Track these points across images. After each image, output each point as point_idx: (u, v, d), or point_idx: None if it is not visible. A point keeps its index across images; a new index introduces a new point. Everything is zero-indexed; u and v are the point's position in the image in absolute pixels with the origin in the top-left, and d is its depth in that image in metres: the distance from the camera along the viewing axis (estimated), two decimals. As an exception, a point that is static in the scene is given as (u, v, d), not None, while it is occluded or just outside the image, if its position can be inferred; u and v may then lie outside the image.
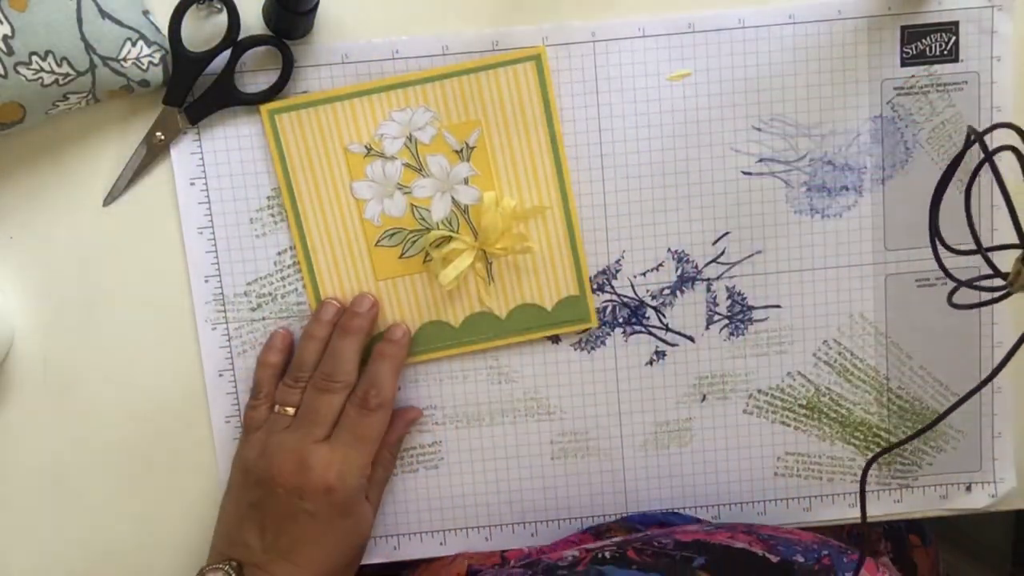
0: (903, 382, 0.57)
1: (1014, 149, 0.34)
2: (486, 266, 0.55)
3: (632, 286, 0.56)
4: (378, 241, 0.54)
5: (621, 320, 0.56)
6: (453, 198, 0.54)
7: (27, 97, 0.48)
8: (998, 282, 0.37)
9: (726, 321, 0.56)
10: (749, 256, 0.56)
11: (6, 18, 0.45)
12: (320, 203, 0.53)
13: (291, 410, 0.52)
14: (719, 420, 0.57)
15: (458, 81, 0.53)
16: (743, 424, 0.57)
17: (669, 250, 0.55)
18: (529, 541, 0.57)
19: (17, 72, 0.46)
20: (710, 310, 0.56)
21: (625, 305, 0.56)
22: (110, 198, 0.53)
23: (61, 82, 0.48)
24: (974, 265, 0.51)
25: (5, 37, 0.45)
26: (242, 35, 0.51)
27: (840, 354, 0.57)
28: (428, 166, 0.53)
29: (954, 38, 0.54)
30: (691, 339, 0.56)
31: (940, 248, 0.40)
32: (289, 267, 0.54)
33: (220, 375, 0.55)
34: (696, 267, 0.56)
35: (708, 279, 0.56)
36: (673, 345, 0.56)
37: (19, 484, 0.55)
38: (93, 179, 0.53)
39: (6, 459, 0.55)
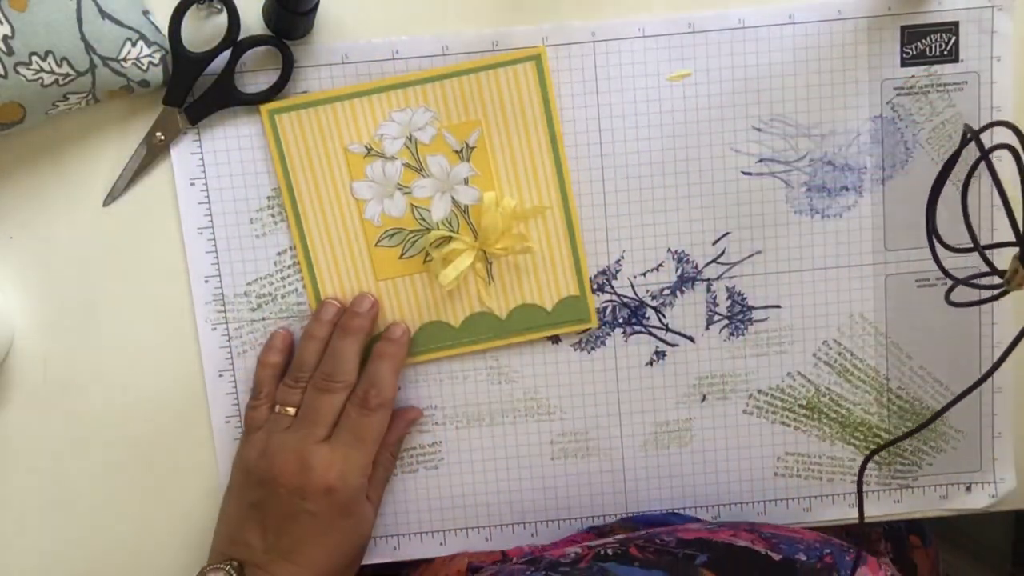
0: (903, 382, 0.57)
1: (1011, 148, 0.34)
2: (486, 266, 0.55)
3: (632, 286, 0.56)
4: (378, 241, 0.54)
5: (621, 320, 0.56)
6: (453, 198, 0.54)
7: (27, 97, 0.48)
8: (997, 281, 0.37)
9: (726, 321, 0.56)
10: (749, 256, 0.56)
11: (6, 18, 0.45)
12: (320, 203, 0.53)
13: (292, 410, 0.52)
14: (719, 420, 0.57)
15: (458, 81, 0.53)
16: (743, 424, 0.57)
17: (669, 250, 0.55)
18: (529, 541, 0.57)
19: (17, 72, 0.46)
20: (710, 310, 0.56)
21: (625, 305, 0.56)
22: (110, 198, 0.53)
23: (61, 82, 0.48)
24: (973, 265, 0.51)
25: (5, 37, 0.45)
26: (242, 35, 0.51)
27: (840, 354, 0.57)
28: (428, 166, 0.53)
29: (954, 38, 0.54)
30: (691, 339, 0.56)
31: (938, 247, 0.40)
32: (289, 267, 0.54)
33: (220, 375, 0.55)
34: (696, 267, 0.56)
35: (708, 279, 0.56)
36: (673, 345, 0.56)
37: (19, 484, 0.55)
38: (93, 179, 0.53)
39: (6, 459, 0.55)
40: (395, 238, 0.54)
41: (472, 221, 0.54)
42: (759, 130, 0.54)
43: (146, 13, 0.50)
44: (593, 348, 0.56)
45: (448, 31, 0.53)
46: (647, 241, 0.55)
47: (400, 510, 0.57)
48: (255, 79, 0.53)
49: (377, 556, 0.57)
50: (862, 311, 0.56)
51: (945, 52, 0.54)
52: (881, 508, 0.58)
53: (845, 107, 0.54)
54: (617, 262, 0.55)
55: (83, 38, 0.47)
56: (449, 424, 0.56)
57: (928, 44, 0.54)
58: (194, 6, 0.51)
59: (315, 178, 0.53)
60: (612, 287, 0.55)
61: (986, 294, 0.38)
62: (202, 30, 0.52)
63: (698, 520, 0.57)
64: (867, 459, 0.42)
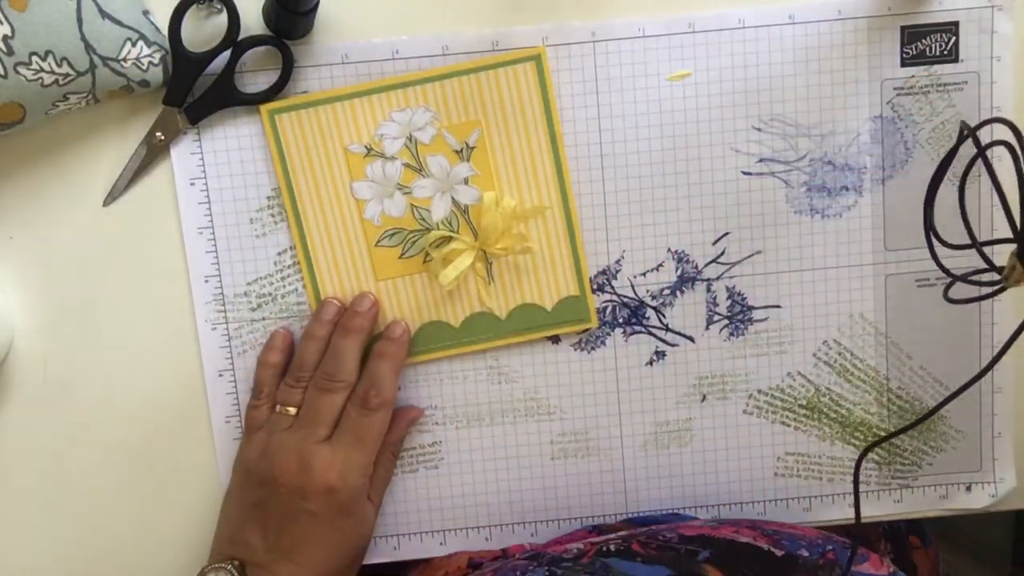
0: (903, 382, 0.57)
1: (1008, 144, 0.34)
2: (486, 266, 0.55)
3: (632, 286, 0.56)
4: (378, 241, 0.54)
5: (621, 320, 0.56)
6: (453, 198, 0.54)
7: (27, 97, 0.48)
8: (995, 278, 0.37)
9: (726, 321, 0.56)
10: (749, 256, 0.56)
11: (6, 18, 0.45)
12: (320, 203, 0.53)
13: (292, 410, 0.52)
14: (719, 420, 0.57)
15: (458, 81, 0.53)
16: (743, 424, 0.57)
17: (669, 250, 0.55)
18: (529, 541, 0.57)
19: (17, 72, 0.46)
20: (710, 310, 0.56)
21: (625, 305, 0.56)
22: (110, 198, 0.53)
23: (61, 82, 0.48)
24: (972, 264, 0.51)
25: (5, 37, 0.45)
26: (242, 35, 0.51)
27: (840, 354, 0.57)
28: (428, 166, 0.53)
29: (954, 38, 0.54)
30: (691, 339, 0.56)
31: (937, 244, 0.40)
32: (289, 267, 0.54)
33: (220, 375, 0.55)
34: (696, 267, 0.56)
35: (708, 279, 0.56)
36: (673, 345, 0.56)
37: (19, 484, 0.55)
38: (93, 179, 0.53)
39: (6, 459, 0.55)
40: (395, 238, 0.54)
41: (472, 221, 0.54)
42: (759, 130, 0.54)
43: (146, 13, 0.50)
44: (593, 348, 0.56)
45: (448, 31, 0.53)
46: (647, 241, 0.55)
47: (400, 510, 0.57)
48: (255, 79, 0.53)
49: (377, 556, 0.57)
50: (862, 311, 0.56)
51: (945, 52, 0.54)
52: (881, 508, 0.58)
53: (845, 107, 0.54)
54: (617, 262, 0.55)
55: (83, 38, 0.47)
56: (449, 424, 0.56)
57: (928, 44, 0.54)
58: (194, 6, 0.51)
59: (315, 178, 0.53)
60: (612, 287, 0.55)
61: (985, 291, 0.38)
62: (202, 30, 0.52)
63: (699, 519, 0.57)
64: (864, 453, 0.42)
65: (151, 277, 0.54)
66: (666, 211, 0.55)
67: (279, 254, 0.54)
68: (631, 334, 0.56)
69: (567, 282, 0.55)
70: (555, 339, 0.56)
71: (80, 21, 0.47)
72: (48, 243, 0.54)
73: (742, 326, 0.56)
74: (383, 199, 0.54)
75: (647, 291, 0.56)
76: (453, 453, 0.57)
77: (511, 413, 0.56)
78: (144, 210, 0.54)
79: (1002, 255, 0.37)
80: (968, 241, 0.38)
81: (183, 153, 0.53)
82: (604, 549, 0.49)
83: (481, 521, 0.57)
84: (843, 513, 0.58)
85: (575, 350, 0.56)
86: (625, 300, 0.56)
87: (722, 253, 0.56)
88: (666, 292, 0.56)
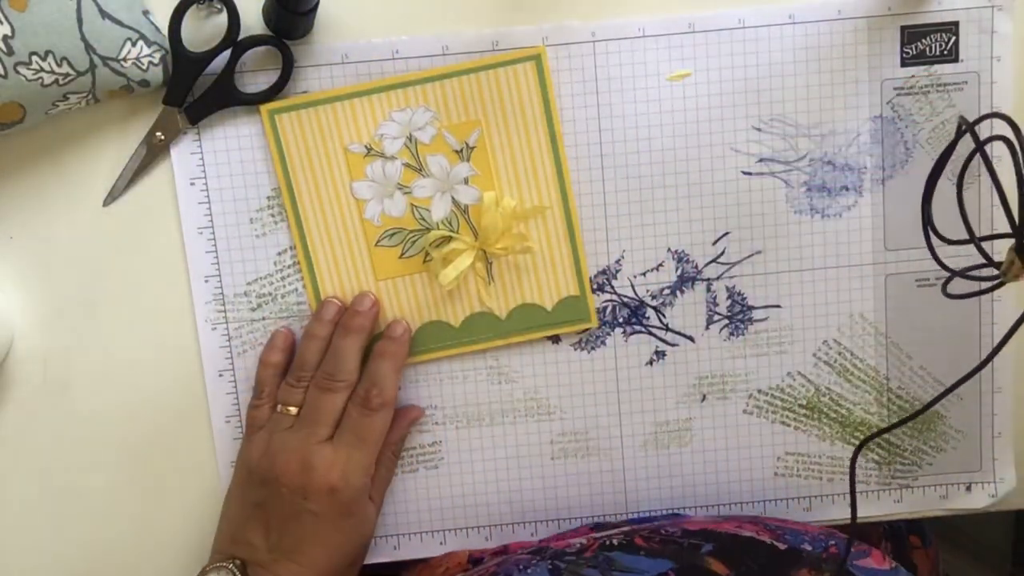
0: (903, 382, 0.57)
1: (1006, 139, 0.34)
2: (486, 266, 0.55)
3: (632, 286, 0.56)
4: (378, 241, 0.54)
5: (621, 320, 0.56)
6: (453, 198, 0.54)
7: (27, 97, 0.48)
8: (994, 273, 0.37)
9: (726, 321, 0.56)
10: (749, 256, 0.56)
11: (6, 18, 0.45)
12: (320, 203, 0.53)
13: (294, 410, 0.52)
14: (719, 420, 0.57)
15: (458, 81, 0.53)
16: (743, 424, 0.57)
17: (669, 250, 0.55)
18: (529, 540, 0.57)
19: (17, 72, 0.46)
20: (710, 310, 0.56)
21: (625, 305, 0.56)
22: (110, 198, 0.53)
23: (61, 82, 0.48)
24: (971, 262, 0.51)
25: (5, 37, 0.45)
26: (242, 35, 0.51)
27: (840, 354, 0.57)
28: (428, 166, 0.53)
29: (954, 38, 0.54)
30: (691, 339, 0.56)
31: (935, 240, 0.40)
32: (289, 267, 0.54)
33: (220, 375, 0.55)
34: (696, 267, 0.56)
35: (708, 279, 0.56)
36: (673, 345, 0.56)
37: (19, 484, 0.55)
38: (93, 179, 0.53)
39: (6, 459, 0.55)
40: (395, 238, 0.54)
41: (472, 221, 0.54)
42: (759, 130, 0.54)
43: (146, 13, 0.50)
44: (593, 348, 0.56)
45: (448, 31, 0.53)
46: (647, 241, 0.55)
47: (400, 510, 0.57)
48: (255, 79, 0.53)
49: (377, 556, 0.57)
50: (862, 311, 0.56)
51: (945, 52, 0.54)
52: (881, 508, 0.58)
53: (845, 107, 0.54)
54: (617, 262, 0.55)
55: (83, 38, 0.47)
56: (449, 424, 0.56)
57: (928, 44, 0.54)
58: (194, 6, 0.51)
59: (315, 178, 0.53)
60: (612, 287, 0.55)
61: (984, 286, 0.38)
62: (202, 30, 0.52)
63: (700, 518, 0.57)
64: (860, 446, 0.43)
65: (151, 277, 0.54)
66: (666, 211, 0.55)
67: (279, 254, 0.54)
68: (631, 334, 0.56)
69: (567, 282, 0.55)
70: (555, 339, 0.56)
71: (80, 21, 0.47)
72: (48, 243, 0.54)
73: (742, 326, 0.56)
74: (383, 199, 0.54)
75: (647, 291, 0.56)
76: (453, 453, 0.57)
77: (511, 413, 0.56)
78: (144, 210, 0.54)
79: (1001, 251, 0.37)
80: (966, 237, 0.38)
81: (183, 153, 0.53)
82: (607, 543, 0.49)
83: (481, 521, 0.57)
84: (843, 513, 0.58)
85: (575, 350, 0.56)
86: (625, 300, 0.56)
87: (722, 253, 0.56)
88: (666, 292, 0.56)
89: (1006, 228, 0.36)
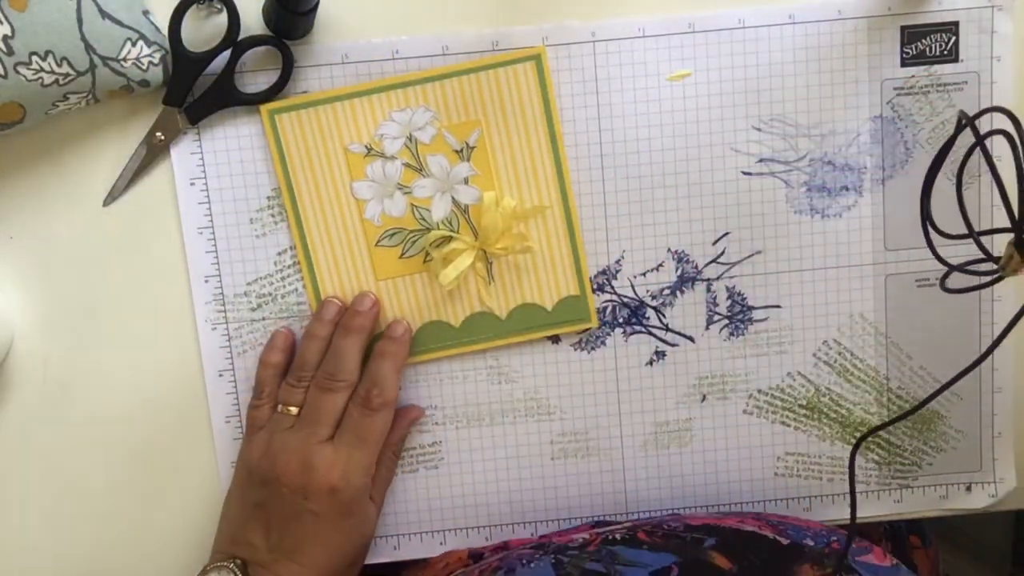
0: (903, 382, 0.57)
1: (1006, 133, 0.34)
2: (486, 266, 0.55)
3: (632, 286, 0.56)
4: (378, 241, 0.54)
5: (621, 320, 0.56)
6: (453, 198, 0.54)
7: (27, 97, 0.48)
8: (993, 267, 0.37)
9: (726, 321, 0.56)
10: (749, 256, 0.56)
11: (6, 18, 0.45)
12: (320, 203, 0.53)
13: (294, 409, 0.52)
14: (719, 420, 0.57)
15: (458, 81, 0.53)
16: (743, 424, 0.57)
17: (669, 250, 0.55)
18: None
19: (17, 72, 0.46)
20: (710, 310, 0.56)
21: (625, 305, 0.56)
22: (110, 198, 0.53)
23: (61, 82, 0.48)
24: (972, 259, 0.51)
25: (5, 37, 0.45)
26: (242, 35, 0.51)
27: (840, 354, 0.57)
28: (428, 166, 0.53)
29: (954, 38, 0.54)
30: (691, 339, 0.56)
31: (934, 235, 0.40)
32: (289, 267, 0.54)
33: (220, 375, 0.55)
34: (696, 267, 0.56)
35: (708, 279, 0.56)
36: (673, 345, 0.56)
37: (19, 484, 0.55)
38: (93, 179, 0.53)
39: (6, 459, 0.55)
40: (395, 238, 0.54)
41: (472, 221, 0.54)
42: (759, 130, 0.54)
43: (146, 13, 0.50)
44: (593, 348, 0.56)
45: (448, 31, 0.53)
46: (647, 241, 0.55)
47: (400, 510, 0.57)
48: (255, 79, 0.53)
49: (377, 556, 0.57)
50: (862, 311, 0.56)
51: (945, 52, 0.54)
52: (881, 508, 0.58)
53: (845, 107, 0.54)
54: (617, 262, 0.55)
55: (83, 38, 0.47)
56: (449, 424, 0.56)
57: (928, 44, 0.54)
58: (194, 6, 0.51)
59: (315, 178, 0.53)
60: (612, 287, 0.55)
61: (983, 280, 0.38)
62: (202, 30, 0.52)
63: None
64: (859, 442, 0.42)
65: (151, 277, 0.54)
66: (666, 211, 0.55)
67: (279, 254, 0.54)
68: (631, 334, 0.56)
69: (567, 282, 0.55)
70: (555, 339, 0.56)
71: (80, 21, 0.47)
72: (48, 243, 0.54)
73: (742, 326, 0.56)
74: (383, 199, 0.54)
75: (647, 291, 0.56)
76: (453, 453, 0.57)
77: (511, 413, 0.56)
78: (144, 210, 0.54)
79: (1000, 247, 0.37)
80: (965, 232, 0.38)
81: (183, 153, 0.53)
82: (610, 538, 0.49)
83: (481, 521, 0.57)
84: (843, 513, 0.58)
85: (575, 350, 0.56)
86: (625, 300, 0.56)
87: (722, 253, 0.56)
88: (666, 292, 0.56)
89: (1005, 222, 0.36)
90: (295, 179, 0.53)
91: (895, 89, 0.54)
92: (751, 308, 0.56)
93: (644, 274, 0.55)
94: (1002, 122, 0.34)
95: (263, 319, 0.55)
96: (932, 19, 0.54)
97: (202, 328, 0.55)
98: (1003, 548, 1.06)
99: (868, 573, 0.47)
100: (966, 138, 0.38)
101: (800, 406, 0.57)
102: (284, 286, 0.55)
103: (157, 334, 0.55)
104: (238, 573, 0.49)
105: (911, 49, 0.54)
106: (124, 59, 0.49)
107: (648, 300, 0.56)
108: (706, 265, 0.56)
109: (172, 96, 0.52)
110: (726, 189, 0.55)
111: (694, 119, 0.54)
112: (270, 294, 0.55)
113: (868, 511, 0.58)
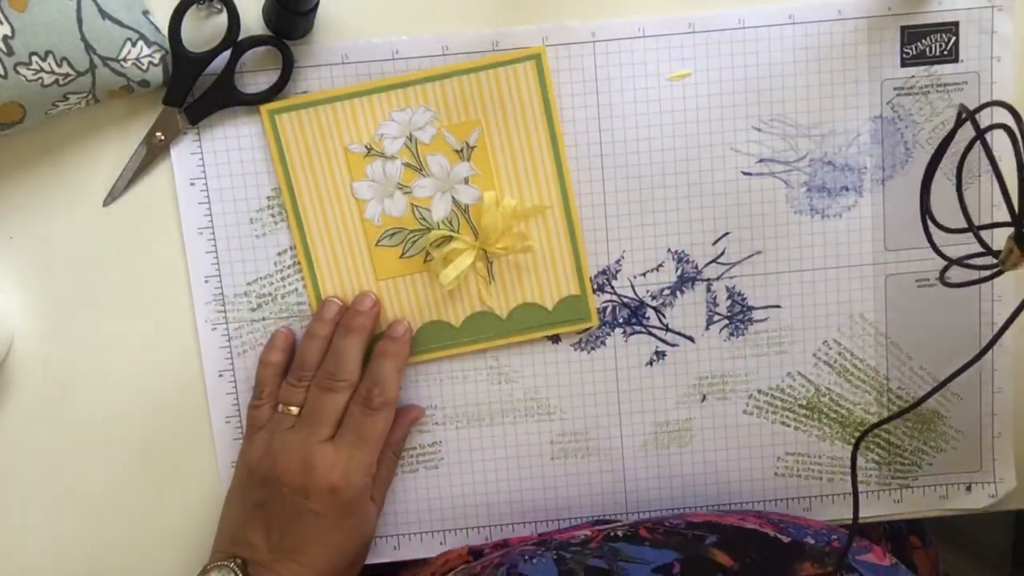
0: (903, 382, 0.57)
1: (1007, 127, 0.34)
2: (486, 266, 0.55)
3: (632, 286, 0.56)
4: (378, 241, 0.54)
5: (621, 320, 0.56)
6: (453, 198, 0.54)
7: (27, 97, 0.48)
8: (992, 262, 0.37)
9: (726, 321, 0.56)
10: (749, 256, 0.56)
11: (6, 18, 0.45)
12: (320, 203, 0.53)
13: (295, 409, 0.52)
14: (719, 420, 0.57)
15: (458, 81, 0.53)
16: (743, 424, 0.57)
17: (669, 250, 0.55)
18: (529, 541, 0.58)
19: (17, 72, 0.46)
20: (710, 310, 0.56)
21: (625, 305, 0.56)
22: (110, 198, 0.53)
23: (61, 82, 0.48)
24: (972, 253, 0.51)
25: (5, 37, 0.45)
26: (242, 35, 0.51)
27: (840, 354, 0.57)
28: (428, 166, 0.53)
29: (954, 38, 0.54)
30: (691, 339, 0.56)
31: (934, 230, 0.40)
32: (289, 267, 0.54)
33: (220, 375, 0.55)
34: (696, 267, 0.56)
35: (708, 279, 0.56)
36: (673, 345, 0.56)
37: (19, 484, 0.55)
38: (93, 179, 0.53)
39: (6, 459, 0.55)
40: (395, 238, 0.54)
41: (472, 220, 0.54)
42: (759, 130, 0.54)
43: (146, 13, 0.50)
44: (593, 348, 0.56)
45: (448, 31, 0.53)
46: (647, 241, 0.55)
47: (400, 510, 0.57)
48: (255, 79, 0.53)
49: (377, 556, 0.57)
50: (862, 311, 0.56)
51: (945, 52, 0.54)
52: (881, 508, 0.58)
53: (845, 107, 0.54)
54: (617, 262, 0.55)
55: (83, 38, 0.47)
56: (449, 424, 0.56)
57: (928, 44, 0.54)
58: (194, 6, 0.51)
59: (315, 178, 0.53)
60: (612, 287, 0.55)
61: (983, 275, 0.38)
62: (202, 30, 0.52)
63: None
64: (860, 438, 0.43)
65: (151, 277, 0.54)
66: (666, 211, 0.55)
67: (279, 254, 0.54)
68: (631, 334, 0.56)
69: (567, 281, 0.55)
70: (555, 339, 0.56)
71: (80, 21, 0.47)
72: (48, 243, 0.54)
73: (742, 326, 0.56)
74: (383, 199, 0.54)
75: (647, 291, 0.56)
76: (453, 453, 0.57)
77: (511, 413, 0.56)
78: (144, 210, 0.54)
79: (1000, 241, 0.37)
80: (965, 226, 0.38)
81: (183, 153, 0.53)
82: (611, 535, 0.49)
83: (481, 521, 0.57)
84: (843, 513, 0.58)
85: (575, 350, 0.56)
86: (625, 300, 0.56)
87: (722, 253, 0.56)
88: (666, 292, 0.56)
89: (1005, 218, 0.36)
90: (295, 179, 0.53)
91: (895, 89, 0.54)
92: (751, 308, 0.56)
93: (644, 274, 0.55)
94: (1003, 116, 0.34)
95: (263, 319, 0.55)
96: (932, 19, 0.54)
97: (202, 328, 0.55)
98: (1003, 548, 1.06)
99: (868, 572, 0.47)
100: (966, 132, 0.38)
101: (800, 406, 0.57)
102: (284, 286, 0.55)
103: (157, 334, 0.55)
104: (238, 573, 0.49)
105: (911, 49, 0.54)
106: (124, 59, 0.49)
107: (648, 300, 0.56)
108: (706, 265, 0.56)
109: (172, 96, 0.52)
110: (726, 189, 0.55)
111: (694, 119, 0.54)
112: (270, 294, 0.55)
113: (868, 511, 0.58)
